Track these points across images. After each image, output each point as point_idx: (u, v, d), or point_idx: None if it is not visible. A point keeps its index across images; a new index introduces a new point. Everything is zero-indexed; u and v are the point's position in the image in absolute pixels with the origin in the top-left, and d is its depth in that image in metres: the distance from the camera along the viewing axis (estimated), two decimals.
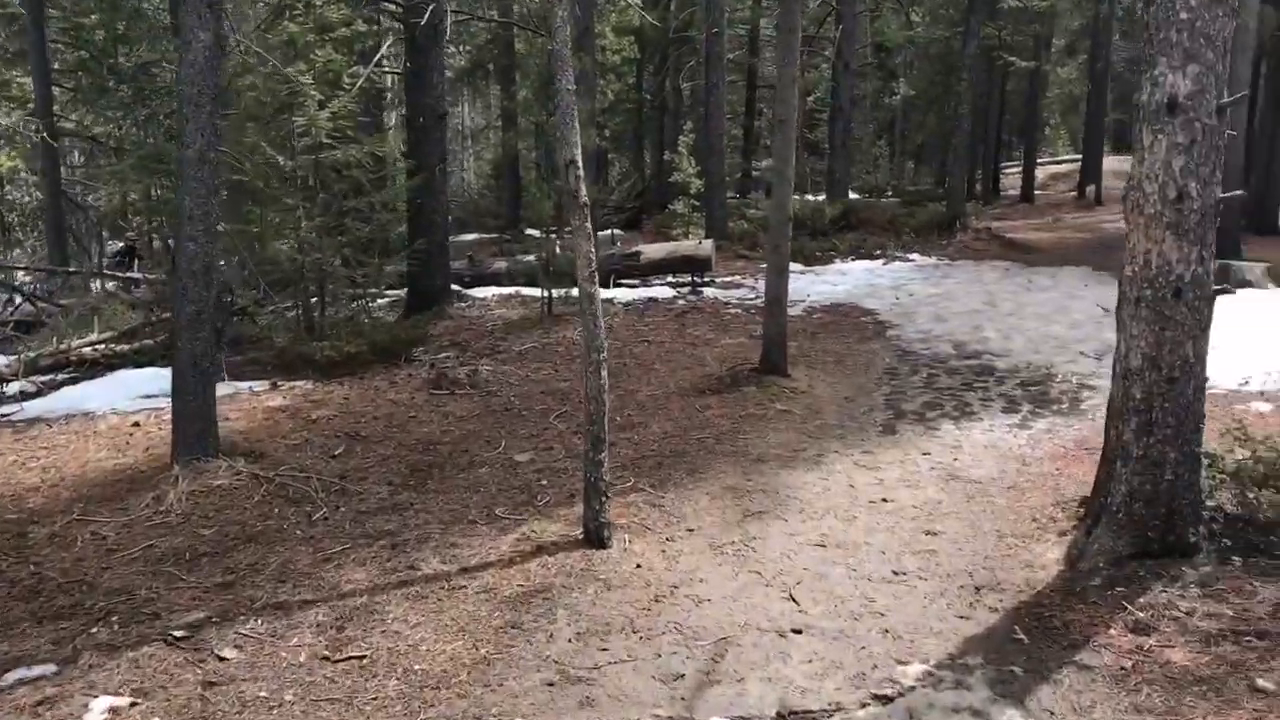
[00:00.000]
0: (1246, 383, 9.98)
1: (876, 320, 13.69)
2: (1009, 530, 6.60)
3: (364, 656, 5.03)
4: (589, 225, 6.25)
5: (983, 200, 30.76)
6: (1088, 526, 6.13)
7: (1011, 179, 37.67)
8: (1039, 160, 37.20)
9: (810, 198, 31.95)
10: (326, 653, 5.07)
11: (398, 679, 4.83)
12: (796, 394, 9.84)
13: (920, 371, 10.97)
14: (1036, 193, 33.53)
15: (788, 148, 9.95)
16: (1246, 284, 14.53)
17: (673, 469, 7.81)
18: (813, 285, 16.29)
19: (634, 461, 7.96)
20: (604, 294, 15.83)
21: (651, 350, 12.02)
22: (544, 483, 7.55)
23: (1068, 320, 13.43)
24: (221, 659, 5.03)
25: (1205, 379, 5.91)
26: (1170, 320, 5.74)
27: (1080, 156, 39.88)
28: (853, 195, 27.89)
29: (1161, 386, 5.78)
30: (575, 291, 13.51)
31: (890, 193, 34.05)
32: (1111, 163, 34.42)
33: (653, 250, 17.11)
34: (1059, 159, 44.37)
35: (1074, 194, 34.01)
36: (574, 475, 7.55)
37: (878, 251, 19.75)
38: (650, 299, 15.47)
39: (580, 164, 6.10)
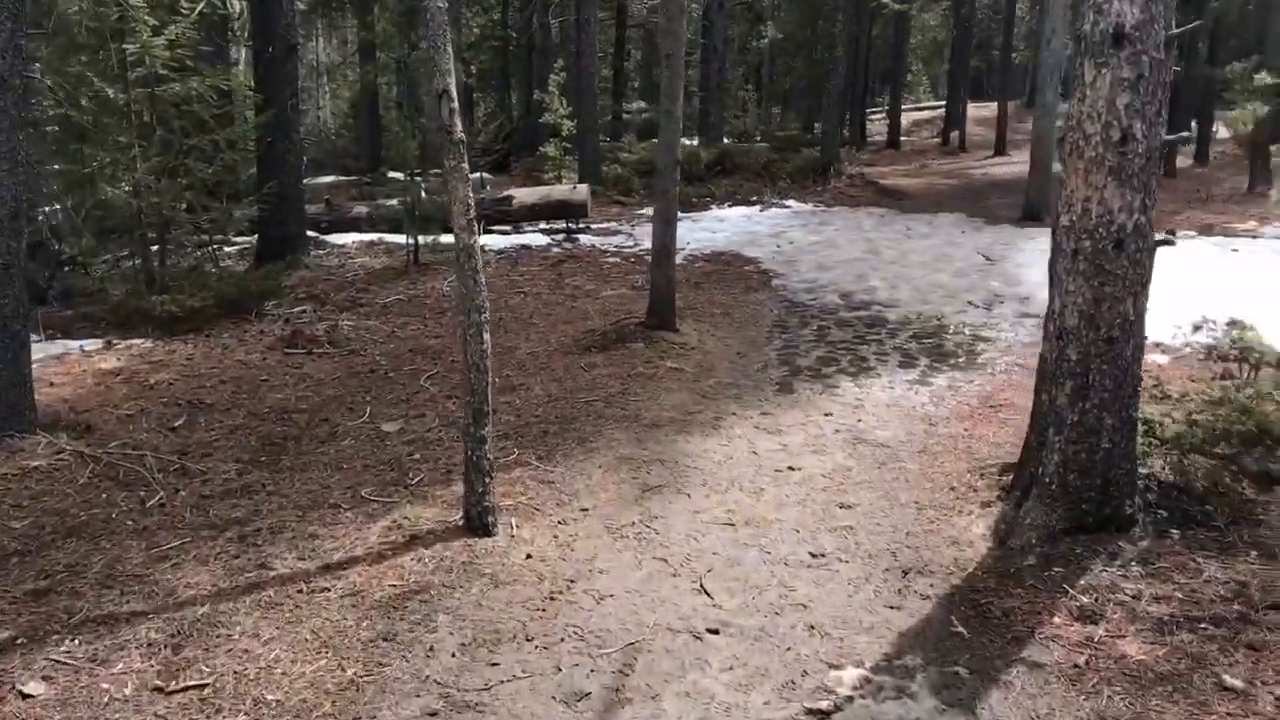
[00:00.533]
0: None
1: (760, 269, 13.10)
2: (927, 501, 6.06)
3: (205, 685, 4.15)
4: (465, 166, 5.39)
5: (852, 146, 30.56)
6: (1016, 498, 5.62)
7: (877, 125, 37.65)
8: (902, 107, 37.28)
9: (685, 141, 31.32)
10: (159, 682, 4.17)
11: (246, 714, 3.99)
12: (686, 350, 9.17)
13: (810, 324, 10.42)
14: (902, 139, 33.54)
15: (676, 84, 9.16)
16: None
17: (561, 437, 7.05)
18: (691, 233, 15.60)
19: (517, 430, 7.17)
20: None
21: (529, 303, 11.19)
22: (416, 457, 6.70)
23: (951, 268, 13.08)
24: (25, 696, 4.08)
25: (1144, 338, 5.43)
26: (1110, 275, 5.22)
27: (944, 103, 40.23)
28: (725, 140, 27.35)
29: (1099, 347, 5.27)
30: (444, 238, 12.65)
31: (759, 137, 33.64)
32: (972, 110, 34.66)
33: (525, 195, 16.17)
34: (920, 105, 44.66)
35: (938, 140, 34.14)
36: (450, 447, 6.73)
37: (754, 198, 19.19)
38: (524, 246, 14.58)
39: (455, 96, 5.22)
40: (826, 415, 7.63)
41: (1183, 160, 25.29)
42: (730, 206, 18.53)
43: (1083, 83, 5.17)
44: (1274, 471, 5.35)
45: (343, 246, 14.21)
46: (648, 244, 14.70)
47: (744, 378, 8.58)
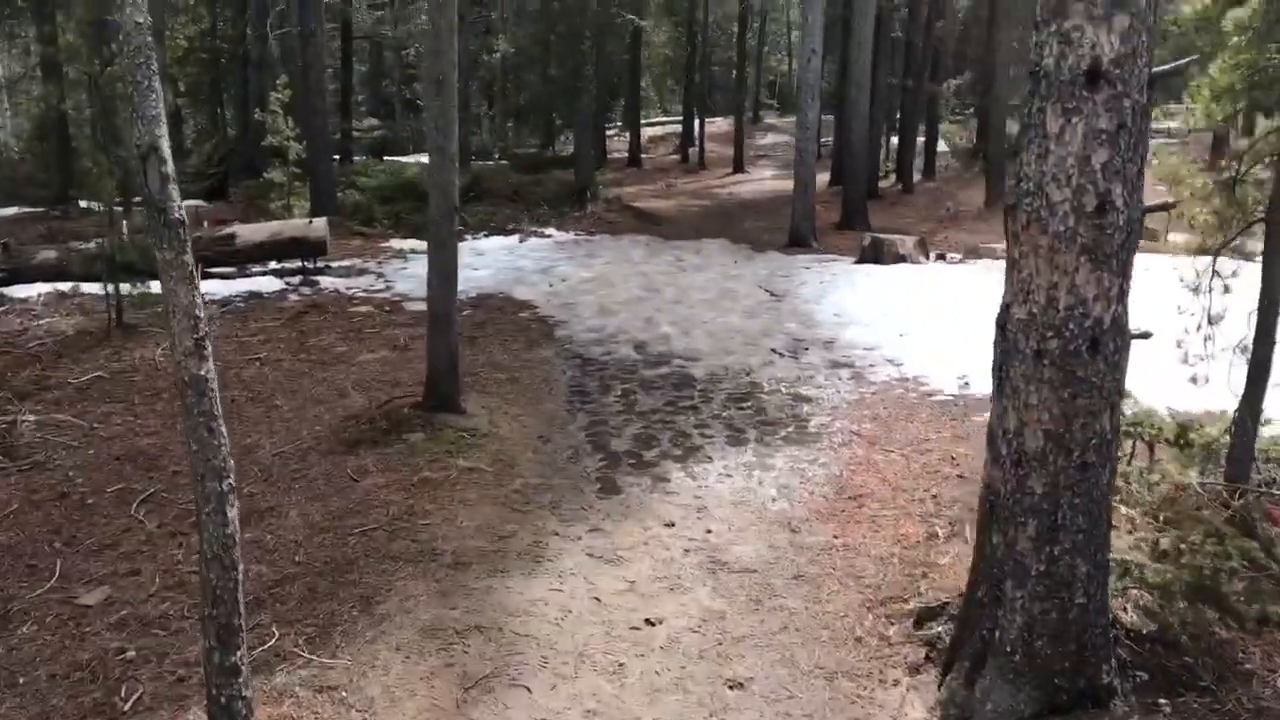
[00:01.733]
0: (967, 384, 8.80)
1: (537, 316, 11.47)
2: (835, 665, 4.64)
3: None
4: (188, 258, 3.50)
5: (596, 165, 29.44)
6: (965, 671, 4.26)
7: (615, 143, 36.77)
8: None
9: (421, 157, 29.19)
10: None
11: None
12: (479, 438, 7.40)
13: (612, 387, 8.90)
14: (642, 156, 32.74)
15: (449, 114, 7.38)
16: (901, 259, 13.79)
17: (336, 599, 5.15)
18: None
19: (274, 591, 5.21)
20: None
21: (268, 375, 9.08)
22: (131, 655, 4.63)
23: (739, 307, 11.92)
24: None
25: (1118, 456, 4.22)
26: (1084, 383, 3.96)
27: (677, 119, 39.93)
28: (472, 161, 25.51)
29: (1071, 475, 4.01)
30: (154, 287, 10.22)
31: (499, 155, 31.98)
32: (709, 126, 34.36)
33: (252, 232, 13.78)
34: (653, 121, 44.27)
35: (677, 157, 33.62)
36: (180, 630, 4.74)
37: (511, 226, 17.50)
38: (253, 294, 12.29)
39: (168, 156, 3.32)
40: (668, 526, 6.11)
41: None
42: (487, 237, 16.76)
43: (1043, 134, 3.88)
44: (1271, 614, 4.26)
45: (26, 302, 11.46)
46: (402, 286, 12.85)
47: (556, 474, 6.92)
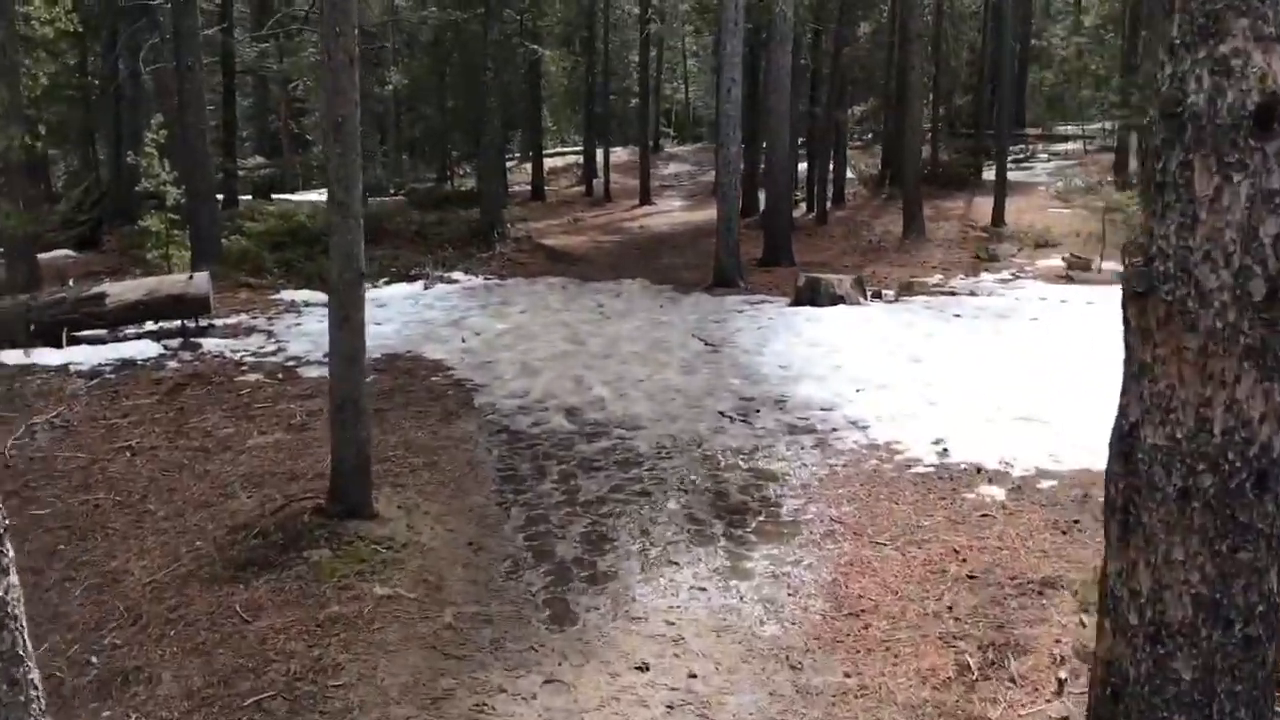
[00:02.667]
0: (945, 450, 7.81)
1: (453, 379, 10.18)
2: None
3: None
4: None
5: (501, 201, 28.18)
6: None
7: (515, 175, 35.52)
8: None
9: (312, 196, 27.57)
10: None
11: None
12: (397, 552, 6.09)
13: (548, 469, 7.66)
14: (545, 189, 31.54)
15: (351, 162, 6.10)
16: (839, 300, 12.84)
17: None
18: None
19: None
20: (55, 357, 10.87)
21: (140, 468, 7.63)
22: None
23: (675, 361, 10.80)
24: None
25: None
26: (1248, 531, 2.90)
27: (578, 149, 38.90)
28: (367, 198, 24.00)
29: (1231, 655, 2.94)
30: None
31: (394, 190, 30.54)
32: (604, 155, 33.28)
33: (124, 290, 12.17)
34: (552, 152, 43.13)
35: (580, 189, 32.54)
36: None
37: (414, 270, 16.13)
38: (125, 362, 10.74)
39: None
40: (642, 671, 4.90)
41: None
42: (389, 284, 15.36)
43: (1189, 197, 2.83)
44: None
45: None
46: (295, 347, 11.40)
47: (494, 597, 5.66)
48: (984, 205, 26.33)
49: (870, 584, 5.76)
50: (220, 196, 22.00)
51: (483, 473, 7.60)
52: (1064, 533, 6.29)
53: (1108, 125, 38.19)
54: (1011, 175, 32.63)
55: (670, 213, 27.97)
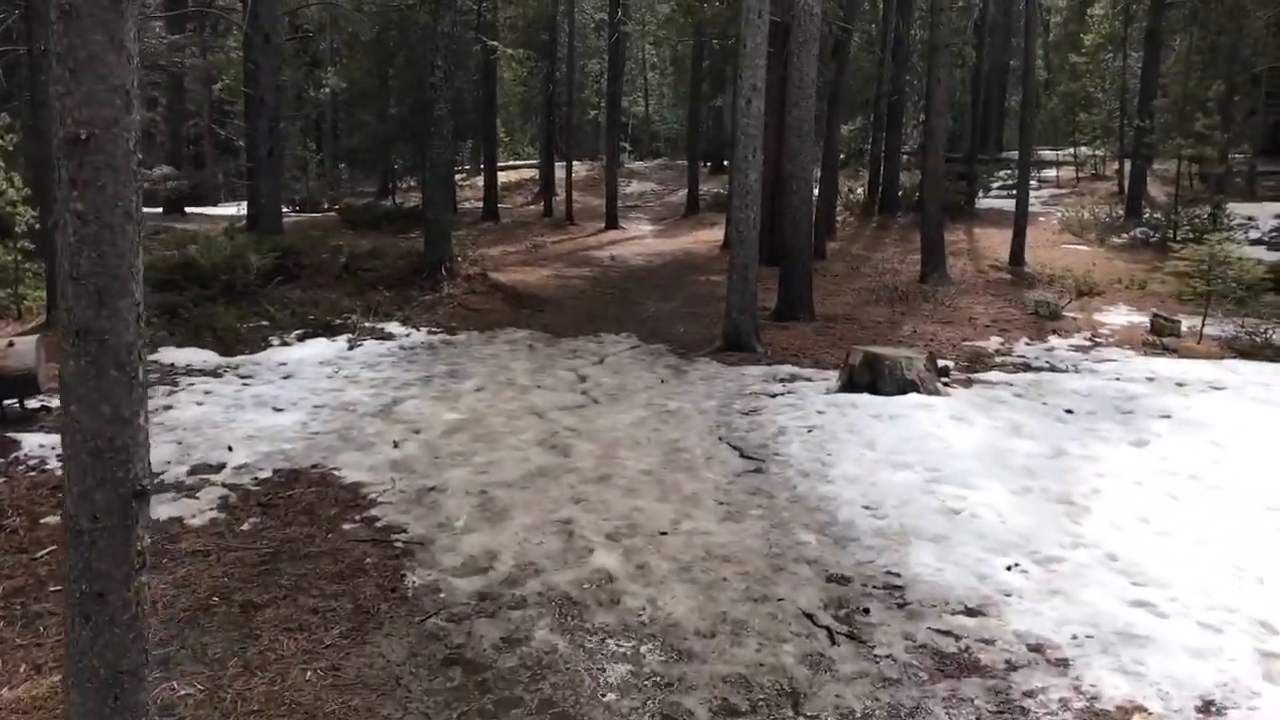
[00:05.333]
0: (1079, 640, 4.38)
1: (375, 529, 6.51)
2: None
3: None
4: None
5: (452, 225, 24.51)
6: None
7: (465, 191, 31.81)
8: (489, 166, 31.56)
9: (225, 210, 23.79)
10: None
11: None
12: None
13: None
14: (499, 208, 27.87)
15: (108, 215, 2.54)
16: (910, 386, 9.37)
17: None
18: (239, 416, 8.70)
19: None
20: None
21: None
22: None
23: (707, 490, 7.27)
24: None
25: None
26: None
27: (532, 163, 35.40)
28: (288, 216, 20.25)
29: None
30: None
31: (328, 205, 26.80)
32: (560, 171, 29.67)
33: None
34: (505, 165, 39.42)
35: (538, 209, 28.96)
36: None
37: (338, 320, 12.39)
38: None
39: None
40: None
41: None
42: (303, 340, 11.61)
43: None
44: None
45: None
46: (158, 449, 7.78)
47: None
48: (986, 237, 23.22)
49: None
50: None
51: None
52: None
53: (1098, 152, 35.53)
54: (1004, 204, 29.82)
55: (642, 239, 24.49)
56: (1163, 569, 5.85)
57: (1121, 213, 25.74)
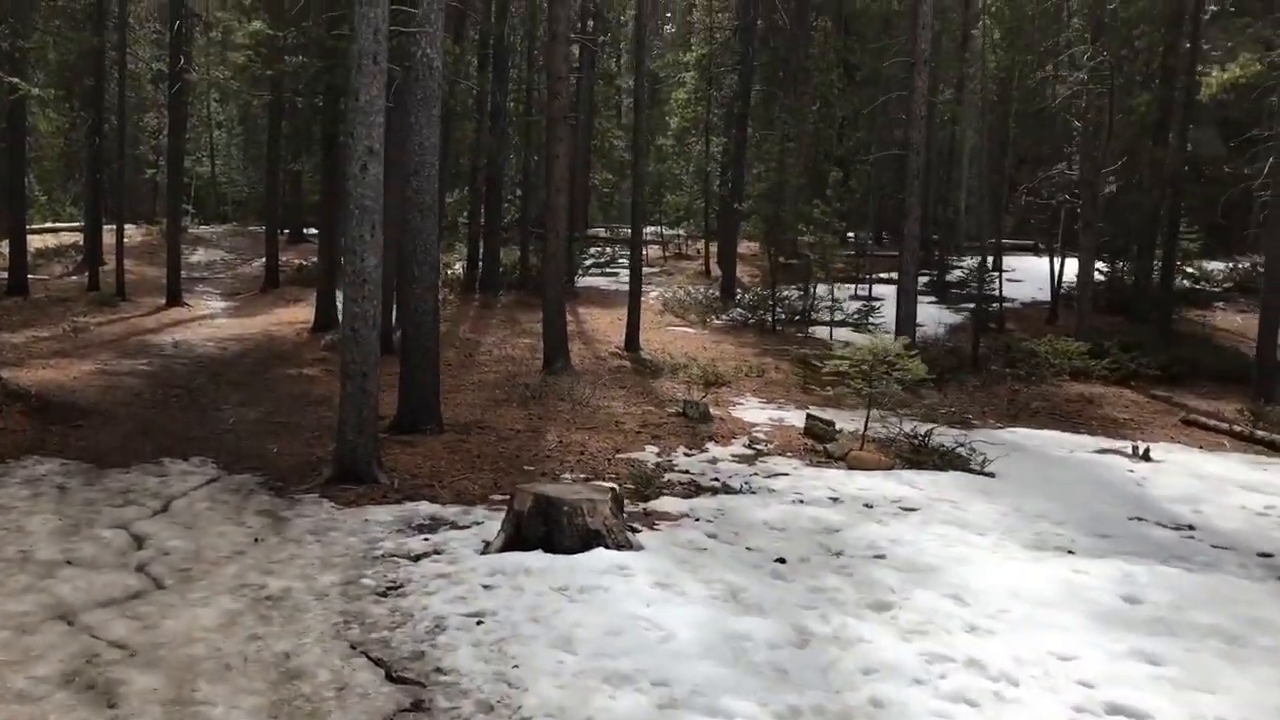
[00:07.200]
0: None
1: None
2: None
3: None
4: None
5: None
6: None
7: None
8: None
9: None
10: None
11: None
12: None
13: None
14: (29, 279, 22.65)
15: None
16: (594, 538, 7.19)
17: None
18: None
19: None
20: None
21: None
22: None
23: None
24: None
25: None
26: None
27: (76, 225, 29.92)
28: None
29: None
30: None
31: None
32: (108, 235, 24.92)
33: None
34: (40, 228, 33.02)
35: (81, 280, 24.00)
36: None
37: None
38: None
39: None
40: None
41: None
42: None
43: None
44: None
45: None
46: None
47: None
48: (593, 318, 22.12)
49: None
50: None
51: None
52: None
53: (680, 231, 36.38)
54: (599, 281, 29.20)
55: (214, 319, 20.75)
56: None
57: (717, 293, 25.91)
